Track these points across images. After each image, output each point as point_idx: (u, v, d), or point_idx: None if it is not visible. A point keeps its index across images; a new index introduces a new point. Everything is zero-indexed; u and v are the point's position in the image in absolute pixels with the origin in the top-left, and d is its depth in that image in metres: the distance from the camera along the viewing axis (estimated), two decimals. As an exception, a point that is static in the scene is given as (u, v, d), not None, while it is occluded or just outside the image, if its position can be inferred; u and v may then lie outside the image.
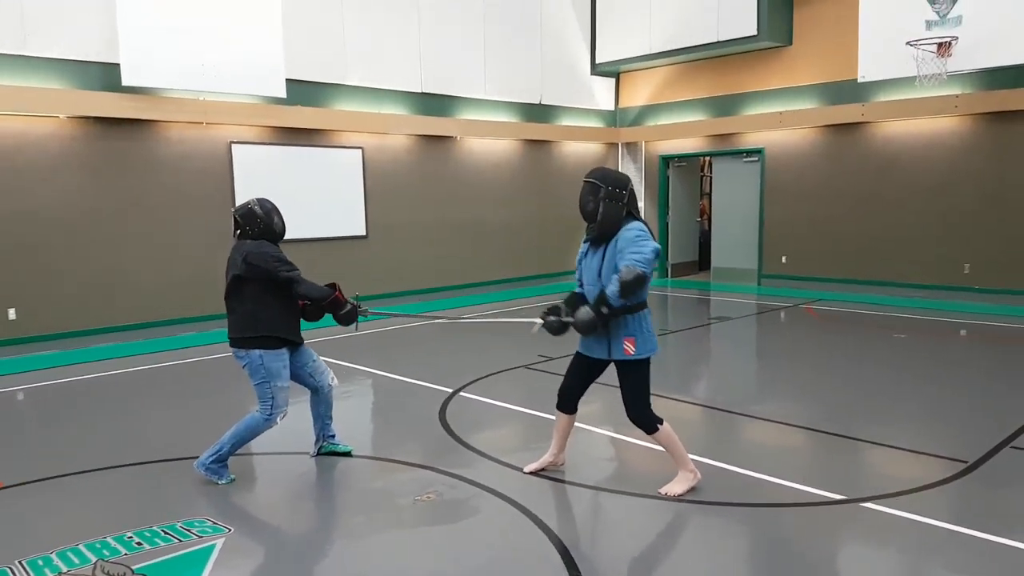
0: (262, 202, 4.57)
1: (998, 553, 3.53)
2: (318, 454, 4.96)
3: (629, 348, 4.05)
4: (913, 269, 11.43)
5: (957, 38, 9.14)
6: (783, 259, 12.96)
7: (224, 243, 10.02)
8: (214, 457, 4.51)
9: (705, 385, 7.08)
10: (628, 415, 4.22)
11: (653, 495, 4.22)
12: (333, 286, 4.60)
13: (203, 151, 9.56)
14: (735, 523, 3.96)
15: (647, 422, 4.18)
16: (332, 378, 4.86)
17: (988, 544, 3.60)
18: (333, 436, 4.98)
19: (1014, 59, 8.98)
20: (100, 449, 5.21)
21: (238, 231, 4.56)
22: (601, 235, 4.09)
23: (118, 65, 8.46)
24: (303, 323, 4.71)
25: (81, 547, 3.68)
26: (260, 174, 9.94)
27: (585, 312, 3.98)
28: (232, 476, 4.55)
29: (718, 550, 3.74)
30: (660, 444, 4.28)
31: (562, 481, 4.48)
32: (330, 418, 4.93)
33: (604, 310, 3.93)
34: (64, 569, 3.47)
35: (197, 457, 4.60)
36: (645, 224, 4.09)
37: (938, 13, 9.30)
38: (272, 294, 4.46)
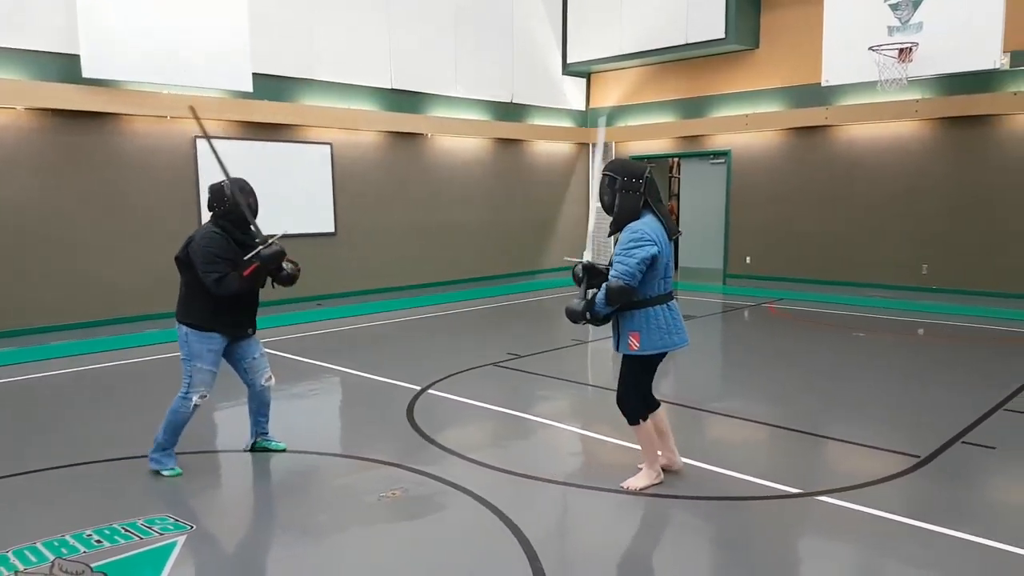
0: (234, 181, 4.55)
1: (947, 544, 3.64)
2: (251, 449, 4.96)
3: (633, 343, 4.12)
4: (873, 269, 11.66)
5: (918, 44, 9.34)
6: (747, 259, 13.14)
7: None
8: (154, 447, 4.60)
9: (669, 382, 7.14)
10: (617, 400, 4.30)
11: (617, 490, 4.28)
12: (248, 263, 4.42)
13: (167, 146, 9.43)
14: (695, 516, 4.03)
15: (631, 413, 4.26)
16: (267, 379, 4.84)
17: (937, 535, 3.71)
18: (265, 433, 4.98)
19: (973, 65, 9.19)
20: (59, 446, 5.13)
21: (210, 208, 4.59)
22: (618, 226, 4.15)
23: (78, 56, 8.33)
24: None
25: (39, 545, 3.63)
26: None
27: (576, 305, 4.12)
28: (177, 470, 4.56)
29: (677, 543, 3.82)
30: (637, 438, 4.35)
31: (528, 477, 4.52)
32: (264, 416, 4.94)
33: (588, 315, 4.11)
34: (21, 568, 3.42)
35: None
36: (659, 217, 4.10)
37: (900, 19, 9.50)
38: (204, 287, 4.45)
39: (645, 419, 4.26)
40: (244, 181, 4.61)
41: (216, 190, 4.56)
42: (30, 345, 8.31)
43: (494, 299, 12.04)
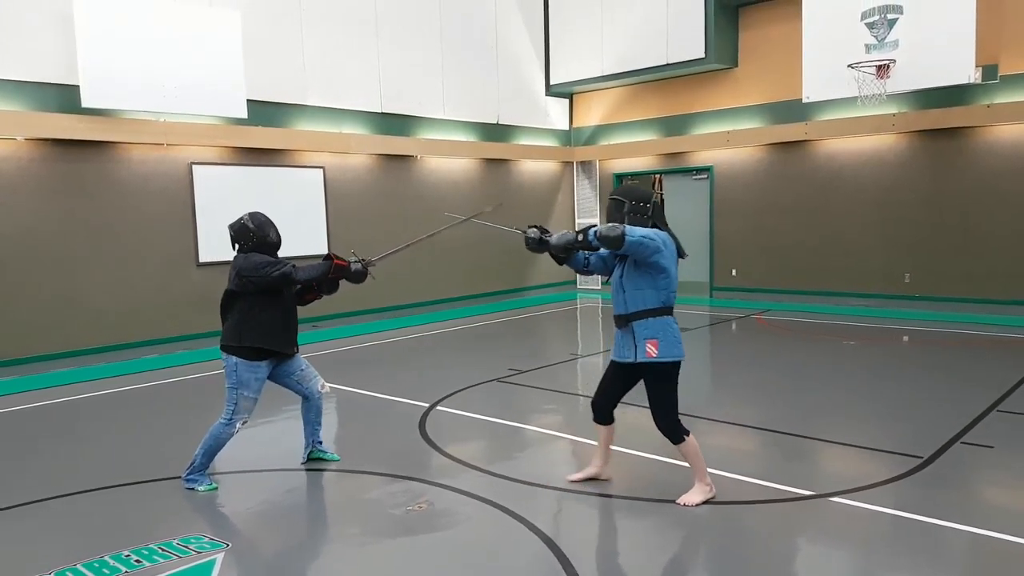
0: (253, 216, 4.76)
1: (960, 538, 3.83)
2: (307, 459, 5.14)
3: (651, 350, 4.17)
4: (857, 279, 11.95)
5: (895, 60, 9.68)
6: (733, 272, 13.39)
7: (185, 264, 9.95)
8: (188, 469, 4.77)
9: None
10: (656, 423, 4.32)
11: (630, 496, 4.41)
12: (329, 257, 4.76)
13: (164, 173, 9.50)
14: (715, 519, 4.16)
15: (674, 431, 4.28)
16: (322, 385, 5.06)
17: (950, 531, 3.89)
18: (320, 443, 5.16)
19: (947, 80, 9.53)
20: (79, 471, 5.17)
21: (236, 245, 4.76)
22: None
23: (77, 87, 8.41)
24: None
25: (80, 567, 3.69)
26: (221, 195, 9.92)
27: (564, 234, 4.24)
28: (213, 484, 4.76)
29: (703, 545, 3.96)
30: (683, 455, 4.37)
31: (547, 487, 4.64)
32: (319, 424, 5.12)
33: (580, 238, 4.19)
34: (65, 589, 3.49)
35: (178, 477, 4.84)
36: (672, 236, 4.24)
37: (876, 37, 9.84)
38: (260, 306, 4.65)
39: (688, 434, 4.29)
40: (261, 214, 4.82)
41: (240, 228, 4.74)
42: (29, 374, 8.30)
43: (486, 316, 12.17)
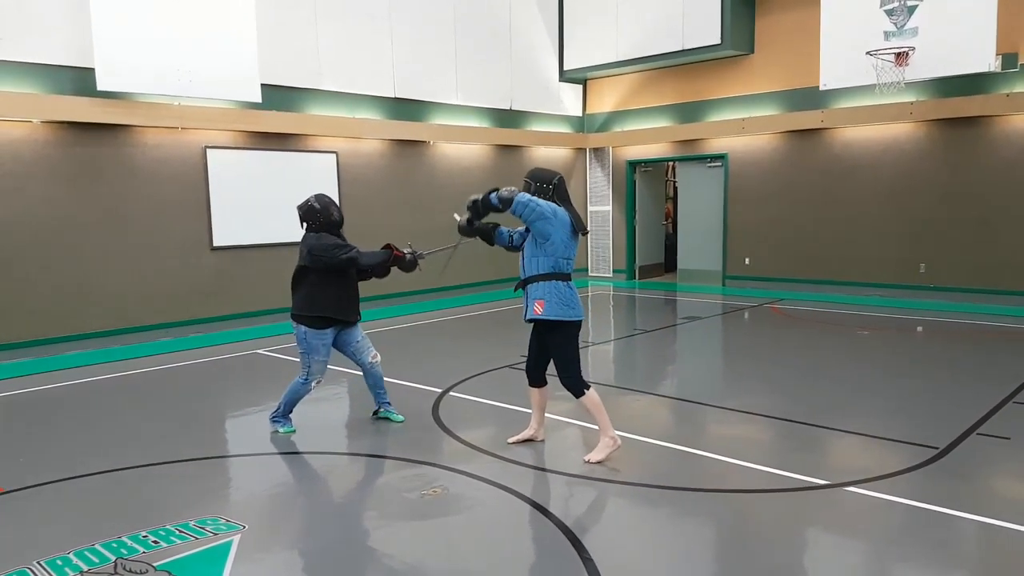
0: (319, 198, 5.31)
1: (976, 529, 3.82)
2: (375, 417, 5.76)
3: (537, 308, 4.69)
4: (871, 269, 11.88)
5: (914, 48, 9.57)
6: (746, 260, 13.34)
7: (199, 248, 9.99)
8: (273, 414, 5.54)
9: (684, 381, 7.30)
10: (560, 379, 4.77)
11: (644, 484, 4.42)
12: (389, 247, 5.32)
13: (178, 156, 9.53)
14: (728, 508, 4.17)
15: (575, 386, 4.75)
16: (374, 356, 5.58)
17: (961, 520, 3.88)
18: (388, 404, 5.73)
19: (967, 68, 9.44)
20: (95, 454, 5.21)
21: (304, 225, 5.33)
22: None
23: (93, 70, 8.42)
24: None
25: (98, 546, 3.73)
26: (235, 179, 9.95)
27: (469, 198, 4.84)
28: (292, 427, 5.49)
29: (715, 534, 3.95)
30: (585, 409, 4.82)
31: (561, 473, 4.65)
32: (381, 388, 5.67)
33: (480, 197, 4.76)
34: (84, 568, 3.52)
35: (194, 460, 5.01)
36: (568, 211, 4.72)
37: (895, 24, 9.74)
38: (329, 280, 5.24)
39: (588, 388, 4.73)
40: (325, 195, 5.39)
41: (308, 209, 5.29)
42: (45, 356, 8.37)
43: (502, 303, 12.16)
